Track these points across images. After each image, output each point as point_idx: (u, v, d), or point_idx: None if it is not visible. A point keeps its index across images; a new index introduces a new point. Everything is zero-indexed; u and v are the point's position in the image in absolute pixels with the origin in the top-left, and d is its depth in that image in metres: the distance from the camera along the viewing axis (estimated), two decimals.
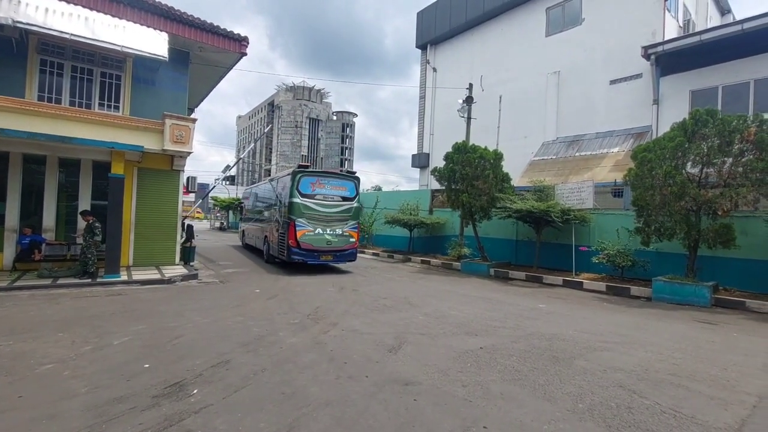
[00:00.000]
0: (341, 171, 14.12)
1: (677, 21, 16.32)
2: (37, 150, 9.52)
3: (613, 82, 16.20)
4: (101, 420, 3.17)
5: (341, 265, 13.83)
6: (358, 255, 17.78)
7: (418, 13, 25.32)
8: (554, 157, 16.71)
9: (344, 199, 12.70)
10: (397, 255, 17.21)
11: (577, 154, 15.98)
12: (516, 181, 15.53)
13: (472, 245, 14.73)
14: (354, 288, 9.81)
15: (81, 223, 10.03)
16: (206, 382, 3.97)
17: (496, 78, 20.56)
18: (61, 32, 8.96)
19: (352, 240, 12.78)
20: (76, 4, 9.58)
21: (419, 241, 18.25)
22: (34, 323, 5.90)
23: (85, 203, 10.72)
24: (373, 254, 18.34)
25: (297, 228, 11.75)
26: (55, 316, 6.33)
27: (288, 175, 12.69)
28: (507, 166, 14.27)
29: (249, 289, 9.30)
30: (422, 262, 15.74)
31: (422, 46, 25.24)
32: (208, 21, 11.78)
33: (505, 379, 4.20)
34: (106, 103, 11.04)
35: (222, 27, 11.87)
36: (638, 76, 15.39)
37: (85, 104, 10.70)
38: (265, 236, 14.74)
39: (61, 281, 8.81)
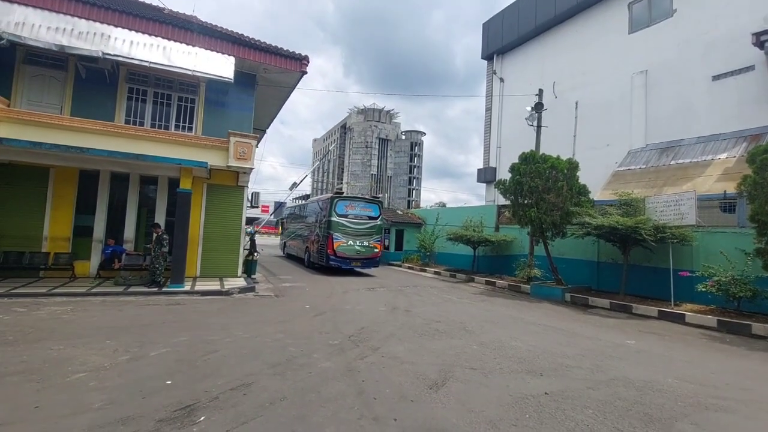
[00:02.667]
0: (371, 196, 18.68)
1: None
2: (121, 168, 10.44)
3: (716, 77, 13.80)
4: None
5: (399, 285, 13.62)
6: (419, 274, 17.37)
7: (483, 24, 24.52)
8: (644, 166, 14.56)
9: (370, 218, 15.80)
10: (459, 274, 16.13)
11: (672, 162, 13.72)
12: (596, 194, 13.76)
13: (543, 266, 13.21)
14: (407, 308, 9.12)
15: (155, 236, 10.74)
16: (218, 407, 3.58)
17: (571, 83, 18.84)
18: (142, 61, 9.86)
19: (376, 250, 15.78)
20: (156, 36, 10.54)
21: (484, 260, 16.97)
22: (91, 329, 6.14)
23: (160, 217, 11.52)
24: (435, 273, 17.44)
25: (334, 240, 14.84)
26: (112, 323, 6.57)
27: (327, 199, 15.74)
28: (585, 178, 12.68)
29: (299, 305, 9.09)
30: (486, 282, 14.50)
31: (488, 57, 24.27)
32: (273, 44, 12.33)
33: None
34: (181, 124, 11.92)
35: (284, 48, 12.32)
36: (749, 68, 12.92)
37: (164, 126, 11.65)
38: (306, 247, 17.83)
39: (132, 289, 9.40)
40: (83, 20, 9.96)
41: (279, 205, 33.56)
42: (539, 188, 11.85)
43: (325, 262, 15.02)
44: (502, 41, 23.11)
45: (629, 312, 9.94)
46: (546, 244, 12.50)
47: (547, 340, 6.74)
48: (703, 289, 9.04)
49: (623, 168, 15.28)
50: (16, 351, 4.88)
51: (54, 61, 10.52)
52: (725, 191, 10.73)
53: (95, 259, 10.80)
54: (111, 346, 5.32)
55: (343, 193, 16.72)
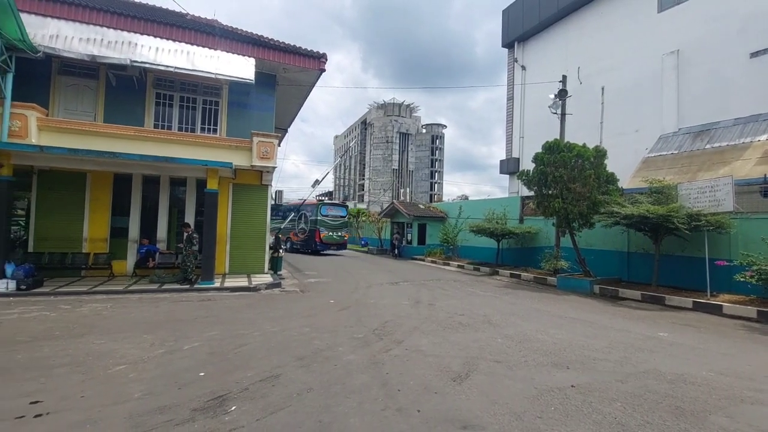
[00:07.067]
0: (341, 202, 31.14)
1: None
2: (152, 171, 10.86)
3: (754, 54, 13.01)
4: (135, 431, 3.08)
5: (422, 279, 13.75)
6: (442, 267, 17.60)
7: (503, 11, 23.92)
8: (676, 151, 13.93)
9: (341, 217, 24.28)
10: (483, 268, 15.98)
11: (707, 146, 13.07)
12: (626, 182, 13.31)
13: (570, 258, 12.91)
14: (430, 302, 9.14)
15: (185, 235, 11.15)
16: (248, 398, 3.73)
17: (596, 68, 18.18)
18: (167, 66, 10.23)
19: (345, 238, 24.37)
20: (180, 41, 10.88)
21: (508, 253, 16.73)
22: (129, 324, 6.48)
23: (190, 217, 11.95)
24: (458, 266, 17.35)
25: (320, 232, 22.61)
26: (149, 319, 6.91)
27: (315, 204, 23.77)
28: (613, 166, 12.26)
29: (324, 300, 9.27)
30: (511, 275, 14.31)
31: (509, 45, 23.71)
32: (291, 44, 12.49)
33: None
34: (206, 126, 12.28)
35: (303, 47, 12.46)
36: None
37: (190, 129, 12.04)
38: (288, 237, 24.52)
39: (165, 286, 9.83)
40: (111, 30, 10.41)
41: (300, 204, 34.06)
42: (564, 178, 11.55)
43: (313, 248, 22.77)
44: (522, 27, 22.51)
45: (662, 303, 9.60)
46: (572, 235, 12.19)
47: (573, 332, 6.62)
48: (742, 279, 8.61)
49: (654, 154, 14.66)
50: (62, 345, 5.23)
51: (86, 70, 11.04)
52: (765, 175, 10.14)
53: (131, 259, 11.34)
54: (148, 340, 5.60)
55: (324, 200, 26.35)
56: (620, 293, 10.58)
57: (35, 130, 9.47)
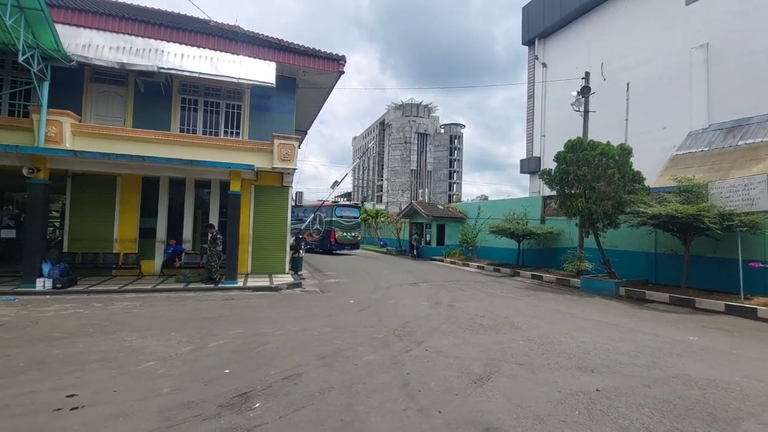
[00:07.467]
0: (353, 203, 30.18)
1: None
2: (178, 174, 11.16)
3: None
4: (165, 425, 3.20)
5: (441, 280, 13.74)
6: (461, 268, 17.49)
7: (523, 8, 23.55)
8: (706, 149, 13.40)
9: (354, 217, 25.35)
10: (504, 269, 15.77)
11: (740, 143, 12.51)
12: (653, 181, 12.90)
13: (594, 259, 12.59)
14: (450, 303, 9.09)
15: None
16: (272, 395, 3.82)
17: (621, 63, 17.67)
18: (192, 72, 10.55)
19: (358, 238, 25.30)
20: (204, 47, 11.19)
21: (530, 254, 16.45)
22: (158, 322, 6.71)
23: (214, 218, 12.24)
24: (478, 267, 17.17)
25: (335, 233, 23.59)
26: (177, 317, 7.14)
27: (330, 206, 24.46)
28: (639, 164, 11.89)
29: (344, 300, 9.35)
30: (533, 277, 14.07)
31: (529, 42, 23.33)
32: (311, 47, 12.67)
33: None
34: (229, 130, 12.58)
35: (322, 50, 12.61)
36: None
37: (214, 132, 12.36)
38: (303, 237, 23.73)
39: (191, 285, 10.13)
40: (140, 38, 10.81)
41: (319, 207, 34.38)
42: (588, 177, 11.27)
43: (327, 248, 23.89)
44: (543, 24, 22.11)
45: (692, 306, 9.25)
46: (597, 235, 11.89)
47: (598, 335, 6.47)
48: None
49: (683, 151, 14.15)
50: (95, 342, 5.46)
51: (116, 78, 11.48)
52: None
53: (159, 259, 11.72)
54: (175, 337, 5.79)
55: (338, 201, 28.19)
56: (647, 295, 10.25)
57: (69, 135, 9.92)
